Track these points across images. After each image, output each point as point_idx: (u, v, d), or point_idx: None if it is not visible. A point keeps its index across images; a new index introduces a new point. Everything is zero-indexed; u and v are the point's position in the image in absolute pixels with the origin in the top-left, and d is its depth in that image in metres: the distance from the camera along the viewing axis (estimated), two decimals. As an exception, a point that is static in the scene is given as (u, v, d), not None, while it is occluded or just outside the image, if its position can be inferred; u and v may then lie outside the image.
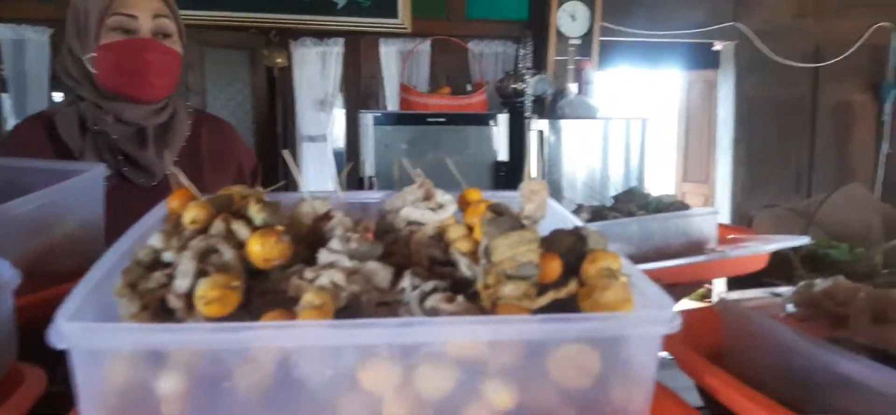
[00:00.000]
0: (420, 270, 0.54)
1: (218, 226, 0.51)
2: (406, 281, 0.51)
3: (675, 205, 1.08)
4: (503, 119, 2.97)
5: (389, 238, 0.63)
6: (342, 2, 3.25)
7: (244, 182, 1.30)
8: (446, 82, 3.33)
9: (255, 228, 0.52)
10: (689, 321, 0.69)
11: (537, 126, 2.98)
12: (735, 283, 1.10)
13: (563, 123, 3.05)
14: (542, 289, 0.50)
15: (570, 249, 0.56)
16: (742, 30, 3.79)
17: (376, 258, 0.54)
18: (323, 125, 3.36)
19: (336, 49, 3.36)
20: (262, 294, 0.48)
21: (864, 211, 1.31)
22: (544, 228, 0.72)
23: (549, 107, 3.17)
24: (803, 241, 0.96)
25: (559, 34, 3.40)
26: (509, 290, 0.48)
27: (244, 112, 3.42)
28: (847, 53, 3.87)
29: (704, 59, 4.42)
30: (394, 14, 3.29)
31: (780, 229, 1.39)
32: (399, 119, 2.87)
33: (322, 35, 3.35)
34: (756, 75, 3.87)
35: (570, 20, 3.41)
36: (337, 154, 3.35)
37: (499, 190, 0.73)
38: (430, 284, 0.51)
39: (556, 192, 3.06)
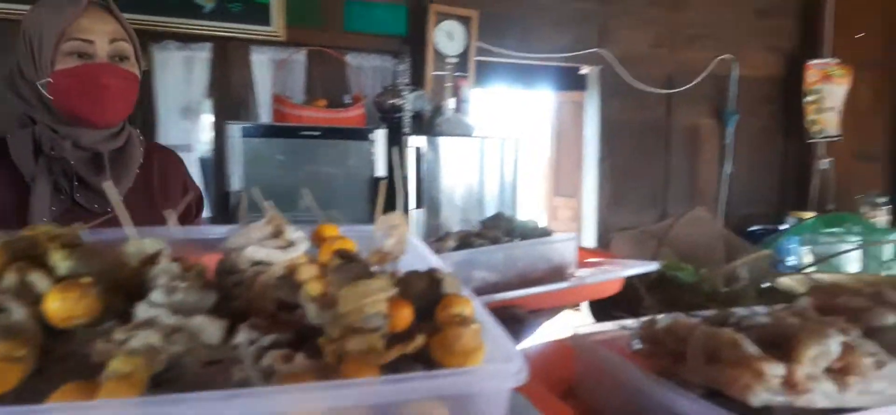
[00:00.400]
0: (260, 321, 0.49)
1: (9, 279, 0.43)
2: (241, 335, 0.46)
3: (538, 231, 1.10)
4: (381, 134, 2.94)
5: (232, 280, 0.58)
6: (209, 6, 3.06)
7: (191, 214, 1.31)
8: (323, 94, 3.24)
9: (59, 279, 0.45)
10: (546, 355, 0.70)
11: (415, 142, 2.98)
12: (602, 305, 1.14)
13: (440, 140, 3.08)
14: (393, 339, 0.48)
15: (423, 294, 0.53)
16: (605, 56, 4.05)
17: (209, 309, 0.48)
18: (188, 134, 3.14)
19: (203, 55, 3.16)
20: (61, 360, 0.41)
21: (707, 234, 1.42)
22: (404, 266, 0.69)
23: (427, 124, 3.19)
24: (653, 266, 1.02)
25: (437, 52, 3.43)
26: (355, 344, 0.44)
27: (96, 118, 3.13)
28: (696, 81, 4.26)
29: (573, 81, 4.68)
30: (266, 21, 3.15)
31: (636, 250, 1.48)
32: (271, 131, 2.74)
33: (187, 39, 3.14)
34: (618, 99, 4.14)
35: (447, 39, 3.46)
36: (205, 164, 3.14)
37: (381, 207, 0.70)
38: (269, 338, 0.47)
39: (433, 208, 3.07)
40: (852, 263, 1.84)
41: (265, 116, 3.18)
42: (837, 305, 0.62)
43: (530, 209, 6.80)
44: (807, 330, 0.51)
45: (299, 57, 3.25)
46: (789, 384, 0.49)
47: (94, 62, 1.10)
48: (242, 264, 0.57)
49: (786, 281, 1.08)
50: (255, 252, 0.57)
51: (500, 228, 1.10)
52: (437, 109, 3.20)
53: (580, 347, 0.62)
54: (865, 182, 4.61)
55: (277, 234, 0.62)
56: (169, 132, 3.13)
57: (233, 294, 0.56)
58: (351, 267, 0.47)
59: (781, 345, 0.53)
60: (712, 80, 4.31)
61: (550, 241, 1.03)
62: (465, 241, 1.01)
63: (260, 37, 3.18)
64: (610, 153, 4.18)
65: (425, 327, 0.52)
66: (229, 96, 3.22)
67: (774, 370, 0.48)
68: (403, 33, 3.53)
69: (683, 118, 4.32)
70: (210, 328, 0.44)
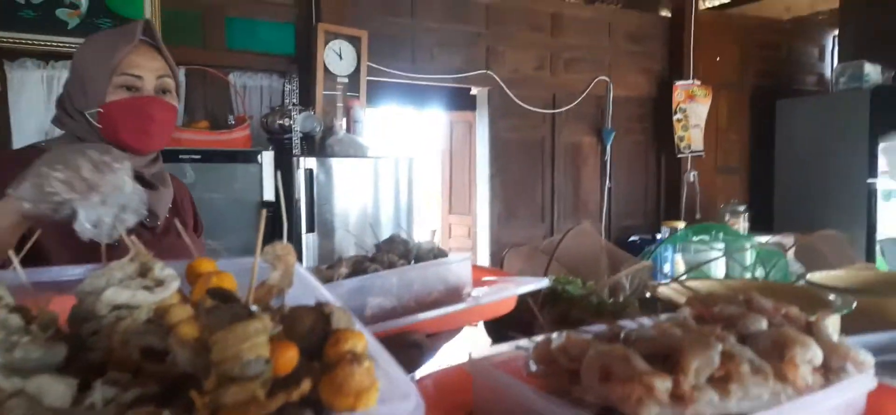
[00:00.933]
0: (121, 375, 0.43)
1: None
2: (97, 393, 0.40)
3: (433, 252, 1.09)
4: (269, 156, 2.82)
5: (88, 329, 0.51)
6: (73, 21, 2.81)
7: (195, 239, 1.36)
8: (204, 116, 3.07)
9: None
10: (445, 381, 0.68)
11: (306, 164, 2.89)
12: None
13: (333, 161, 3.01)
14: (277, 385, 0.44)
15: (311, 330, 0.50)
16: (494, 77, 4.17)
17: (56, 365, 0.42)
18: (49, 161, 2.85)
19: (65, 74, 2.90)
20: None
21: (592, 248, 1.48)
22: (292, 299, 0.65)
23: (318, 145, 3.11)
24: (544, 283, 1.04)
25: (327, 71, 3.37)
26: (232, 395, 0.40)
27: (-63, 144, 2.76)
28: (576, 102, 4.49)
29: (464, 102, 4.78)
30: (140, 38, 2.95)
31: (528, 266, 1.51)
32: (146, 156, 2.55)
33: (47, 57, 2.86)
34: (506, 119, 4.28)
35: (337, 58, 3.41)
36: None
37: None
38: (131, 394, 0.41)
39: (326, 231, 2.99)
40: (720, 268, 2.00)
41: (140, 139, 2.96)
42: (714, 313, 0.65)
43: (427, 228, 6.83)
44: (689, 341, 0.53)
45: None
46: (677, 396, 0.50)
47: (142, 96, 1.19)
48: (101, 310, 0.51)
49: (664, 290, 1.14)
50: (115, 295, 0.51)
51: (395, 251, 1.07)
52: (329, 130, 3.13)
53: (476, 371, 0.61)
54: (727, 192, 5.07)
55: (144, 272, 0.56)
56: (26, 158, 2.83)
57: (88, 345, 0.49)
58: (226, 309, 0.43)
59: (668, 357, 0.54)
60: (591, 100, 4.57)
61: (446, 262, 1.02)
62: (359, 266, 0.97)
63: (132, 55, 2.96)
64: (499, 171, 4.29)
65: (314, 367, 0.48)
66: (98, 118, 2.97)
67: (663, 384, 0.49)
68: (291, 52, 3.44)
69: (566, 136, 4.53)
70: (55, 388, 0.38)
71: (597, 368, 0.52)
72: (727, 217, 4.53)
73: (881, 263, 3.95)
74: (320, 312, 0.50)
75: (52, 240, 1.09)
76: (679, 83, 4.74)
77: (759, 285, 1.17)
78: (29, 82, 2.85)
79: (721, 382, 0.52)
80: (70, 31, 2.82)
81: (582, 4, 4.61)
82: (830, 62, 5.49)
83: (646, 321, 0.74)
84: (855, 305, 0.97)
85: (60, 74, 2.89)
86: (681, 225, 4.04)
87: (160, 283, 0.55)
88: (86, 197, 0.87)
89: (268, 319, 0.44)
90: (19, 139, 2.83)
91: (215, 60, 3.18)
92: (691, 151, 4.79)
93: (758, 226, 4.64)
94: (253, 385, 0.40)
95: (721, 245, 2.33)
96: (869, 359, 0.59)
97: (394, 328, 0.87)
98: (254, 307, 0.50)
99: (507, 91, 4.21)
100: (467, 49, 4.09)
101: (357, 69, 3.46)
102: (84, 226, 0.87)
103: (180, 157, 2.57)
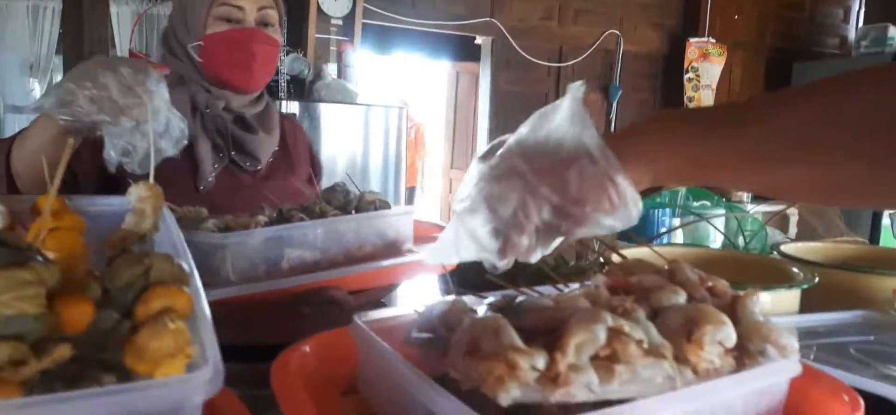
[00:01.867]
0: None
1: None
2: None
3: (375, 204, 1.02)
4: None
5: None
6: (54, -52, 2.73)
7: (313, 182, 1.34)
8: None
9: None
10: (330, 346, 0.63)
11: (289, 108, 2.82)
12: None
13: (321, 106, 2.93)
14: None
15: (129, 285, 0.44)
16: (498, 25, 4.02)
17: None
18: (33, 94, 2.81)
19: (52, 4, 2.83)
20: None
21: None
22: (160, 245, 0.59)
23: (307, 89, 3.02)
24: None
25: (320, 12, 3.26)
26: (-17, 356, 0.34)
27: (-80, 72, 2.73)
28: (584, 56, 4.34)
29: (468, 52, 4.64)
30: (127, -29, 2.86)
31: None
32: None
33: (31, -14, 2.79)
34: (509, 70, 4.15)
35: (331, -1, 3.29)
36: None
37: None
38: None
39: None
40: (715, 237, 1.91)
41: (125, 76, 2.90)
42: (630, 283, 0.59)
43: (429, 183, 6.76)
44: (576, 316, 0.47)
45: (165, 10, 2.98)
46: (551, 378, 0.44)
47: (243, 27, 1.13)
48: None
49: (636, 252, 1.07)
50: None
51: (334, 201, 1.01)
52: (318, 74, 3.04)
53: (358, 336, 0.55)
54: (736, 157, 4.92)
55: (-29, 208, 0.50)
56: (10, 90, 2.79)
57: None
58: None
59: (555, 331, 0.48)
60: (599, 54, 4.41)
61: (381, 215, 0.95)
62: (284, 216, 0.91)
63: (119, -12, 2.88)
64: (500, 126, 4.19)
65: (122, 326, 0.42)
66: (82, 53, 2.90)
67: (531, 362, 0.43)
68: (284, -11, 3.32)
69: (572, 92, 4.39)
70: None
71: (465, 341, 0.46)
72: (732, 182, 4.40)
73: (887, 237, 3.82)
74: (143, 262, 0.44)
75: (81, 163, 1.04)
76: (693, 40, 4.56)
77: (722, 254, 1.10)
78: (14, 12, 2.78)
79: (605, 362, 0.45)
80: (53, -40, 2.74)
81: (596, -47, 4.42)
82: (855, 24, 5.24)
83: (572, 287, 0.67)
84: (817, 279, 0.89)
85: (47, 4, 2.82)
86: (682, 189, 3.93)
87: (-13, 222, 0.50)
88: (115, 120, 0.77)
89: (50, 269, 0.38)
90: (4, 71, 2.78)
91: (205, -3, 3.08)
92: (700, 113, 4.64)
93: (761, 195, 4.51)
94: (10, 346, 0.34)
95: (721, 211, 2.25)
96: (792, 343, 0.52)
97: (309, 283, 0.82)
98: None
99: (512, 41, 4.07)
100: (471, -5, 3.94)
101: (352, 11, 3.34)
102: (110, 154, 0.80)
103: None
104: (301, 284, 0.81)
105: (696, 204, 2.39)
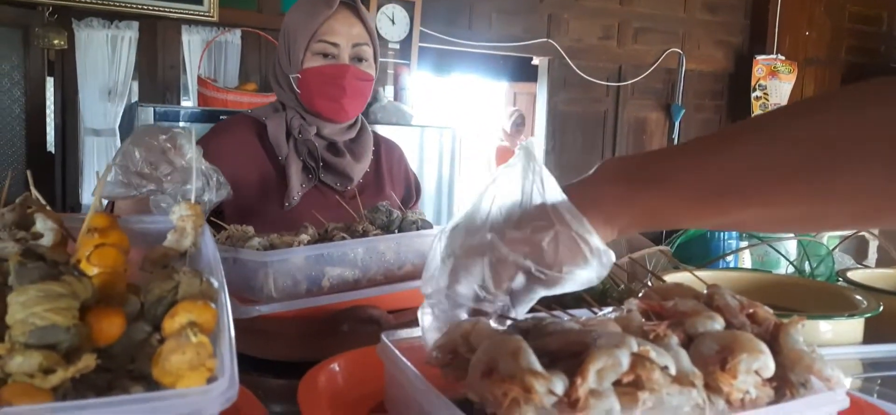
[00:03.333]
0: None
1: None
2: None
3: (417, 224, 1.03)
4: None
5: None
6: (134, -18, 2.91)
7: (410, 199, 1.43)
8: (257, 79, 3.12)
9: None
10: (359, 364, 0.63)
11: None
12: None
13: (376, 128, 2.98)
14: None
15: (160, 299, 0.46)
16: (554, 46, 4.00)
17: None
18: (111, 118, 2.99)
19: (129, 33, 3.01)
20: None
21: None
22: (202, 265, 0.61)
23: (364, 112, 3.09)
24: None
25: (379, 36, 3.33)
26: (18, 364, 0.36)
27: (12, 99, 2.95)
28: (644, 75, 4.25)
29: (526, 72, 4.64)
30: (198, 0, 3.01)
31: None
32: (189, 116, 2.61)
33: (112, 16, 2.98)
34: (566, 90, 4.11)
35: (389, 23, 3.37)
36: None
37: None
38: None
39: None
40: (783, 261, 1.82)
41: (193, 100, 3.05)
42: (666, 308, 0.56)
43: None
44: (600, 340, 0.45)
45: (234, 39, 3.12)
46: (570, 403, 0.42)
47: (337, 63, 1.22)
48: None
49: (679, 276, 1.03)
50: (-21, 245, 0.49)
51: (377, 221, 1.03)
52: (375, 96, 3.11)
53: (384, 355, 0.55)
54: (808, 178, 4.68)
55: (25, 224, 0.53)
56: (91, 114, 2.98)
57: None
58: (33, 267, 0.39)
59: (579, 355, 0.47)
60: (660, 73, 4.31)
61: (420, 234, 0.96)
62: (326, 234, 0.93)
63: (191, 16, 3.04)
64: (557, 147, 4.14)
65: (152, 338, 0.44)
66: (156, 79, 3.08)
67: (548, 386, 0.42)
68: (345, 17, 3.42)
69: (631, 111, 4.31)
70: None
71: (483, 362, 0.45)
72: (804, 204, 4.18)
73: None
74: (172, 278, 0.46)
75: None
76: (760, 58, 4.39)
77: (782, 280, 1.05)
78: (95, 40, 2.98)
79: (629, 388, 0.44)
80: (132, -8, 2.92)
81: (656, -29, 4.34)
82: (940, 38, 4.92)
83: (606, 312, 0.66)
84: (881, 308, 0.84)
85: (124, 34, 3.01)
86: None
87: (39, 236, 0.53)
88: (160, 188, 0.86)
89: (83, 282, 0.40)
90: (86, 95, 2.98)
91: (270, 24, 3.21)
92: (769, 132, 4.45)
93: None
94: (43, 355, 0.37)
95: (788, 234, 2.14)
96: (837, 375, 0.49)
97: (348, 301, 0.83)
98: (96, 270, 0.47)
99: (569, 61, 4.04)
100: (527, 16, 3.94)
101: (409, 35, 3.41)
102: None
103: (221, 117, 2.62)
104: (340, 303, 0.82)
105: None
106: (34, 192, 0.57)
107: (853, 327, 0.83)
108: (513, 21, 3.90)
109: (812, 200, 0.47)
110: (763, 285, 1.04)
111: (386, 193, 1.33)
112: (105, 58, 2.99)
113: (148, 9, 2.97)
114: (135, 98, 3.08)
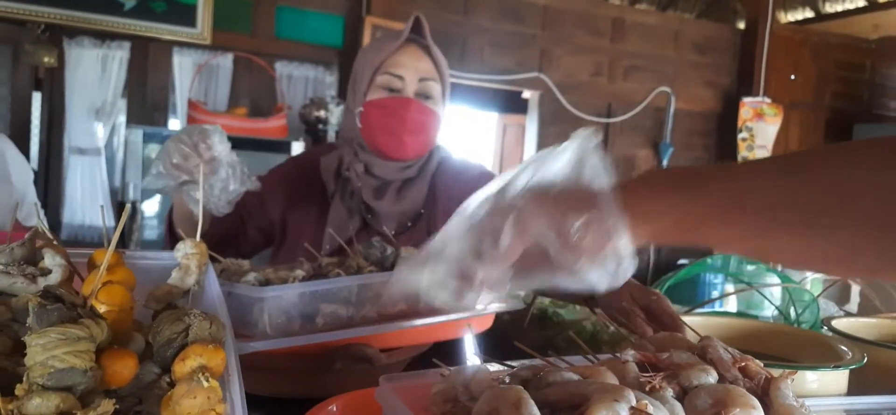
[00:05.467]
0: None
1: None
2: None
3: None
4: (299, 147, 2.84)
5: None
6: (130, 3, 2.92)
7: None
8: (248, 103, 3.13)
9: None
10: (356, 407, 0.63)
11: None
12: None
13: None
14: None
15: (171, 341, 0.46)
16: (545, 81, 4.06)
17: None
18: (96, 137, 2.97)
19: (120, 53, 3.01)
20: None
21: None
22: (205, 303, 0.61)
23: (356, 138, 3.11)
24: (516, 304, 0.97)
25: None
26: (36, 406, 0.37)
27: (-1, 115, 2.94)
28: (633, 112, 4.31)
29: (516, 105, 4.69)
30: (192, 23, 3.03)
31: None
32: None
33: (104, 36, 2.98)
34: (556, 125, 4.16)
35: (384, 53, 3.40)
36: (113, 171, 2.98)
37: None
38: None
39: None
40: (768, 304, 1.84)
41: (182, 121, 3.04)
42: (660, 360, 0.58)
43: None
44: (599, 392, 0.46)
45: (225, 63, 3.14)
46: None
47: (399, 96, 1.16)
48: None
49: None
50: (-11, 281, 0.49)
51: (370, 258, 1.03)
52: (368, 125, 3.12)
53: (382, 399, 0.56)
54: (791, 219, 4.75)
55: (33, 259, 0.54)
56: (77, 132, 2.96)
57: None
58: (53, 310, 0.40)
59: (578, 407, 0.48)
60: (649, 111, 4.38)
61: (417, 272, 0.96)
62: (320, 271, 0.93)
63: (184, 39, 3.05)
64: (546, 178, 4.18)
65: (162, 381, 0.45)
66: (145, 99, 3.08)
67: None
68: (339, 44, 3.46)
69: (620, 148, 4.37)
70: None
71: (486, 411, 0.46)
72: (787, 245, 4.24)
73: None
74: (183, 320, 0.46)
75: (249, 211, 1.24)
76: (747, 100, 4.48)
77: (768, 328, 1.06)
78: (85, 58, 2.97)
79: None
80: (126, 12, 2.93)
81: (647, 10, 4.44)
82: (919, 87, 5.06)
83: (603, 358, 0.67)
84: (866, 359, 0.85)
85: (115, 54, 3.01)
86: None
87: (47, 273, 0.53)
88: (194, 179, 0.93)
89: (100, 325, 0.41)
90: (73, 113, 2.96)
91: (263, 49, 3.23)
92: (754, 173, 4.52)
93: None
94: (61, 397, 0.37)
95: (774, 278, 2.17)
96: None
97: (341, 339, 0.83)
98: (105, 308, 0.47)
99: (559, 96, 4.09)
100: (520, 50, 4.00)
101: (403, 65, 3.44)
102: (191, 206, 0.97)
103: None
104: (333, 341, 0.82)
105: (750, 268, 2.32)
106: (41, 224, 0.58)
107: (838, 378, 0.85)
108: (505, 55, 3.96)
109: (861, 246, 0.45)
110: (752, 333, 1.06)
111: (438, 227, 1.25)
112: (94, 76, 2.99)
113: (141, 30, 2.97)
114: (122, 117, 3.07)
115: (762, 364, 0.57)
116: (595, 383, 0.50)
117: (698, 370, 0.55)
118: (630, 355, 0.60)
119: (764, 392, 0.54)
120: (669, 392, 0.52)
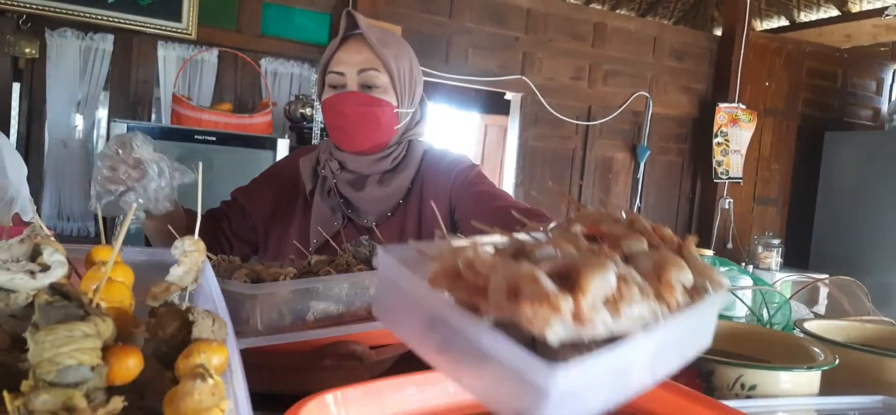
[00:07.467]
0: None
1: None
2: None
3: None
4: (284, 144, 2.83)
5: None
6: (112, -6, 2.89)
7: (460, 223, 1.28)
8: (233, 99, 3.11)
9: None
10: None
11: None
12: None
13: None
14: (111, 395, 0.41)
15: (172, 338, 0.47)
16: (528, 83, 4.10)
17: None
18: (77, 129, 2.93)
19: (103, 46, 2.98)
20: None
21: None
22: (204, 300, 0.62)
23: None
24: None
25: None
26: (43, 402, 0.38)
27: (-24, 105, 2.88)
28: (612, 115, 4.38)
29: (499, 106, 4.73)
30: (177, 17, 3.00)
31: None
32: (163, 134, 2.59)
33: (87, 27, 2.94)
34: (537, 127, 4.20)
35: (367, 52, 3.40)
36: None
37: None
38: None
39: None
40: (739, 305, 1.90)
41: (166, 117, 3.02)
42: (601, 231, 0.62)
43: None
44: (587, 261, 0.50)
45: (210, 58, 3.11)
46: (576, 317, 0.47)
47: (337, 93, 1.19)
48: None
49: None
50: (-10, 277, 0.50)
51: (359, 255, 1.05)
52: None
53: (384, 271, 0.56)
54: (762, 224, 4.87)
55: (34, 255, 0.54)
56: (57, 125, 2.92)
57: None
58: (59, 307, 0.41)
59: (565, 276, 0.51)
60: (628, 115, 4.45)
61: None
62: (309, 269, 0.95)
63: (169, 33, 3.02)
64: (526, 180, 4.22)
65: (165, 378, 0.46)
66: (128, 92, 3.04)
67: (567, 305, 0.46)
68: (325, 42, 3.45)
69: (599, 150, 4.43)
70: None
71: (506, 286, 0.49)
72: (759, 250, 4.34)
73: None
74: (184, 317, 0.47)
75: (231, 224, 1.32)
76: (723, 105, 4.57)
77: (743, 329, 1.10)
78: (67, 50, 2.93)
79: (611, 302, 0.49)
80: (110, 4, 2.89)
81: (627, 16, 4.50)
82: (888, 97, 5.21)
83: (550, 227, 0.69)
84: (837, 361, 0.89)
85: (97, 46, 2.97)
86: (708, 253, 3.90)
87: (47, 268, 0.54)
88: (130, 187, 0.98)
89: (106, 322, 0.42)
90: (54, 105, 2.92)
91: (248, 45, 3.21)
92: (729, 177, 4.62)
93: (791, 262, 4.44)
94: (67, 394, 0.38)
95: (748, 280, 2.23)
96: (725, 280, 0.57)
97: (331, 337, 0.85)
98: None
99: (541, 98, 4.14)
100: (503, 53, 4.04)
101: (387, 65, 3.45)
102: (138, 213, 1.02)
103: (195, 138, 2.61)
104: (323, 338, 0.83)
105: (722, 270, 2.37)
106: (37, 220, 0.58)
107: (810, 378, 0.88)
108: (488, 57, 3.99)
109: None
110: (726, 334, 1.09)
111: (423, 217, 1.25)
112: (76, 68, 2.95)
113: (125, 23, 2.94)
114: (104, 110, 3.03)
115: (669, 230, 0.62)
116: (577, 256, 0.53)
117: (634, 239, 0.59)
118: (578, 228, 0.63)
119: (679, 253, 0.59)
120: (617, 258, 0.56)
